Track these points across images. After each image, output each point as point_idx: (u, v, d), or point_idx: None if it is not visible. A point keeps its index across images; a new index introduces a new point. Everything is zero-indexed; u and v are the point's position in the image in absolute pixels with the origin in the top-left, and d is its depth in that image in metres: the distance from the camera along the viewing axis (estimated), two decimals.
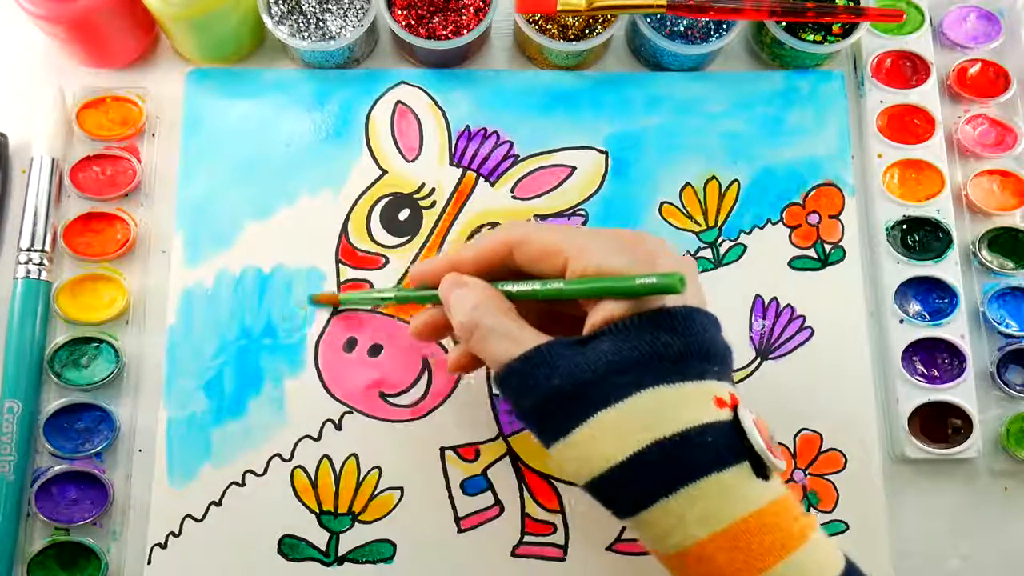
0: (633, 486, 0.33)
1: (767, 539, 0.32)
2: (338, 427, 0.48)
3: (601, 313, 0.34)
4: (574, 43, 0.51)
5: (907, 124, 0.54)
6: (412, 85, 0.54)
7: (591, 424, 0.33)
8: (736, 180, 0.53)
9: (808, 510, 0.48)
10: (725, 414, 0.33)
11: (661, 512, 0.32)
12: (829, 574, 0.33)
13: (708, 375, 0.34)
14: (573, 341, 0.34)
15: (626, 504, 0.34)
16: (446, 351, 0.50)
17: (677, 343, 0.33)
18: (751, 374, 0.50)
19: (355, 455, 0.48)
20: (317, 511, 0.47)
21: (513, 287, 0.37)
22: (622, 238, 0.36)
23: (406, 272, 0.51)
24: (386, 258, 0.51)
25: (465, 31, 0.51)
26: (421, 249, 0.51)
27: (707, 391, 0.33)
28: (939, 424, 0.50)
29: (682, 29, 0.53)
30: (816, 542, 0.33)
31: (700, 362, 0.34)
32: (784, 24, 0.52)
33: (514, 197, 0.52)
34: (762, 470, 0.33)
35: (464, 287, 0.37)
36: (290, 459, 0.48)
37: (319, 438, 0.48)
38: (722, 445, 0.32)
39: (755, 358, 0.50)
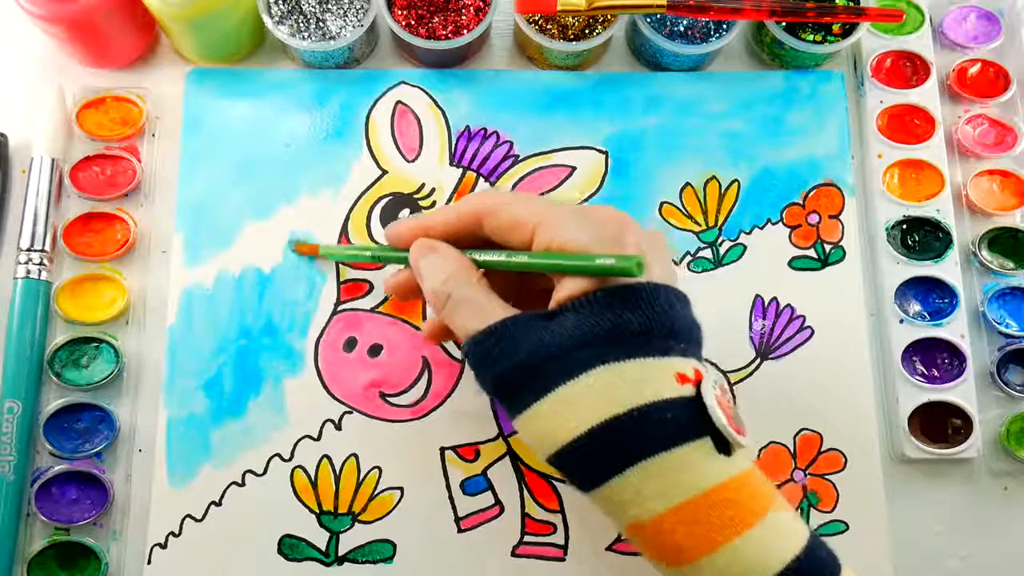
0: (592, 460, 0.33)
1: (725, 514, 0.32)
2: (338, 427, 0.48)
3: (566, 289, 0.34)
4: (574, 43, 0.51)
5: (907, 124, 0.54)
6: (412, 85, 0.54)
7: (551, 398, 0.33)
8: (736, 180, 0.53)
9: (808, 510, 0.48)
10: (687, 390, 0.33)
11: (619, 486, 0.33)
12: (788, 550, 0.33)
13: (672, 351, 0.34)
14: (539, 315, 0.35)
15: (585, 477, 0.34)
16: (448, 352, 0.50)
17: (639, 319, 0.33)
18: (751, 374, 0.50)
19: (355, 455, 0.48)
20: (317, 511, 0.47)
21: (480, 256, 0.38)
22: (590, 214, 0.36)
23: None
24: None
25: (465, 31, 0.51)
26: None
27: (669, 367, 0.33)
28: (939, 424, 0.50)
29: (682, 29, 0.53)
30: (776, 518, 0.33)
31: (663, 339, 0.34)
32: (784, 24, 0.52)
33: None
34: (724, 446, 0.33)
35: (435, 253, 0.38)
36: (290, 459, 0.48)
37: (319, 438, 0.48)
38: (683, 420, 0.33)
39: (755, 358, 0.50)
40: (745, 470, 0.34)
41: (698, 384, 0.34)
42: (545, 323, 0.34)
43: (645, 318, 0.33)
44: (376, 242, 0.51)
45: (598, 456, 0.33)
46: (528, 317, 0.35)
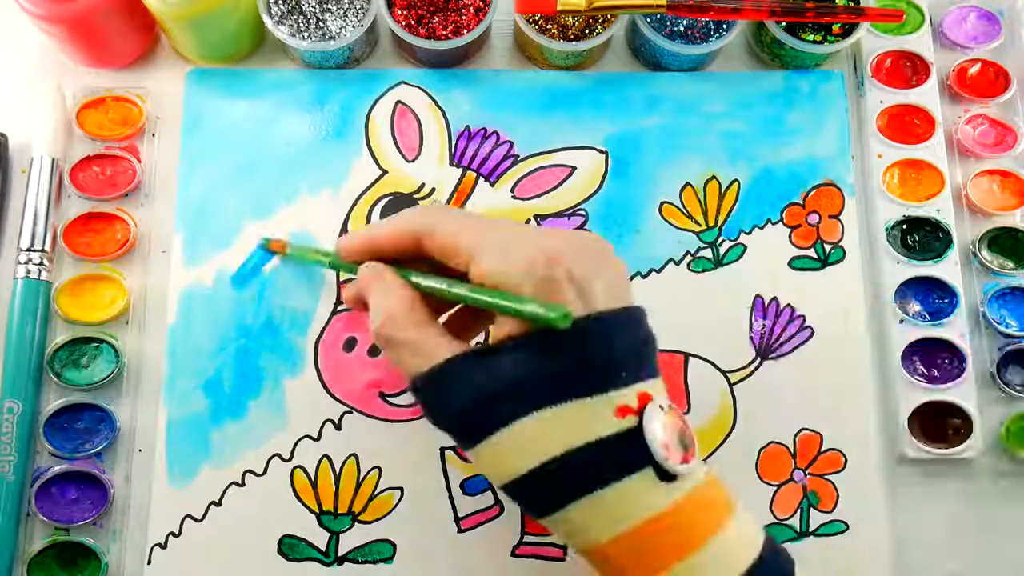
0: (535, 496, 0.34)
1: (667, 540, 0.33)
2: (338, 427, 0.48)
3: (504, 328, 0.34)
4: (574, 43, 0.51)
5: (907, 124, 0.54)
6: (412, 85, 0.54)
7: (491, 442, 0.34)
8: (736, 180, 0.53)
9: (808, 510, 0.48)
10: (629, 422, 0.33)
11: (563, 519, 0.34)
12: (735, 567, 0.33)
13: (611, 387, 0.33)
14: (478, 353, 0.35)
15: (532, 509, 0.35)
16: None
17: (574, 360, 0.33)
18: (751, 374, 0.50)
19: (355, 455, 0.48)
20: (317, 511, 0.47)
21: (423, 280, 0.37)
22: (524, 246, 0.34)
23: None
24: None
25: (465, 31, 0.51)
26: None
27: (607, 403, 0.33)
28: (939, 424, 0.50)
29: (682, 29, 0.53)
30: (725, 537, 0.33)
31: (602, 373, 0.34)
32: (784, 24, 0.52)
33: (514, 197, 0.52)
34: (668, 473, 0.33)
35: (379, 282, 0.38)
36: (290, 459, 0.48)
37: (319, 438, 0.48)
38: (622, 455, 0.33)
39: (755, 358, 0.50)
40: (689, 493, 0.34)
41: (641, 412, 0.33)
42: (485, 364, 0.34)
43: (581, 357, 0.33)
44: None
45: (539, 492, 0.34)
46: (467, 358, 0.35)
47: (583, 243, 0.35)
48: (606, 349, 0.34)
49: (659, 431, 0.33)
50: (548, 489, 0.33)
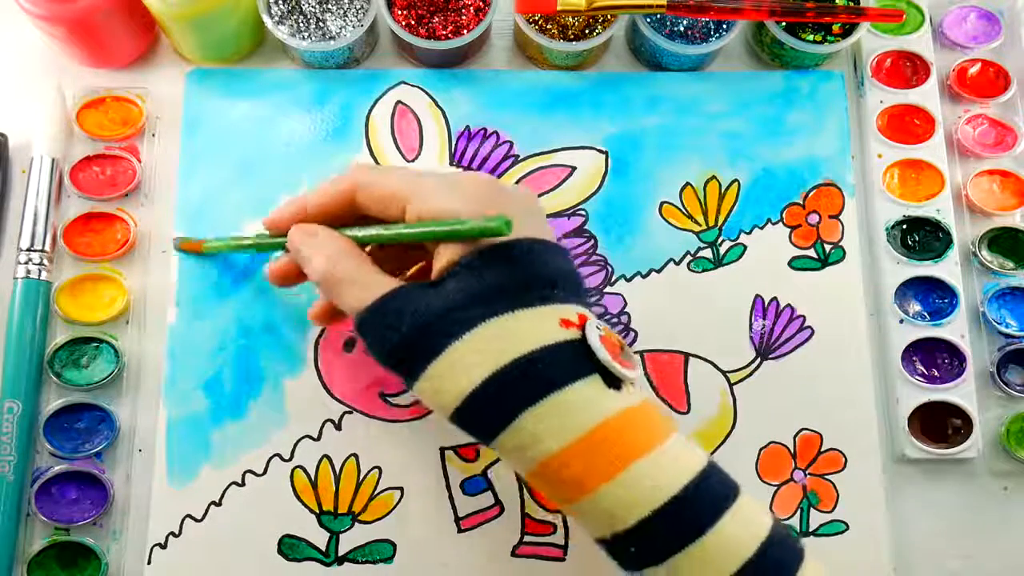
0: (486, 412, 0.34)
1: (621, 441, 0.34)
2: (338, 427, 0.48)
3: (445, 256, 0.35)
4: (574, 43, 0.51)
5: (907, 124, 0.54)
6: (412, 85, 0.54)
7: (441, 359, 0.34)
8: (736, 180, 0.53)
9: (808, 510, 0.48)
10: (572, 333, 0.35)
11: (515, 432, 0.34)
12: (683, 475, 0.34)
13: (553, 300, 0.35)
14: (421, 285, 0.36)
15: (483, 430, 0.35)
16: None
17: (516, 273, 0.35)
18: (751, 374, 0.50)
19: (355, 455, 0.48)
20: (317, 511, 0.47)
21: (359, 232, 0.38)
22: (460, 181, 0.37)
23: None
24: None
25: (465, 31, 0.51)
26: None
27: (552, 313, 0.35)
28: (939, 424, 0.50)
29: (682, 29, 0.53)
30: (670, 447, 0.34)
31: (541, 288, 0.35)
32: (784, 24, 0.52)
33: None
34: (614, 381, 0.35)
35: (314, 238, 0.39)
36: (290, 459, 0.48)
37: (319, 438, 0.48)
38: (569, 362, 0.34)
39: (755, 358, 0.50)
40: (636, 404, 0.35)
41: (583, 327, 0.35)
42: (428, 290, 0.35)
43: (521, 272, 0.35)
44: None
45: (491, 407, 0.34)
46: (412, 287, 0.36)
47: (511, 185, 0.38)
48: (543, 268, 0.36)
49: (601, 342, 0.34)
50: (498, 402, 0.34)
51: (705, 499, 0.34)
